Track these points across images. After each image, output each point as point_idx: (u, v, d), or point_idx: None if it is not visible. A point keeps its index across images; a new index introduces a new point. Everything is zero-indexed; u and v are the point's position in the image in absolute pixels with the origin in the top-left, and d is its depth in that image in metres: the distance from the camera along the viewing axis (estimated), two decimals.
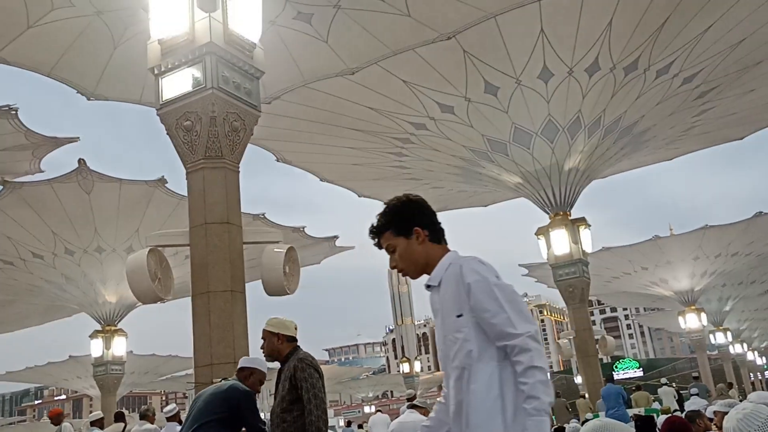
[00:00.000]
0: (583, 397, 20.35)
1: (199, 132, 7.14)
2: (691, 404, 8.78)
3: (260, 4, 7.87)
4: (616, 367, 61.93)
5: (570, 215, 17.66)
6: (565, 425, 13.89)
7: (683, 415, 5.21)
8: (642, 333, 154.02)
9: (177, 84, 7.25)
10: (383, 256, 2.73)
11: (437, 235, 2.64)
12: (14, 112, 13.03)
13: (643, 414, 11.56)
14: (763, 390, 33.66)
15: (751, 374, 53.35)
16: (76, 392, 78.93)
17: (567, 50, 13.51)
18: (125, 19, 10.66)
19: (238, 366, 4.98)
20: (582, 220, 17.63)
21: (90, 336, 20.81)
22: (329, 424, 8.66)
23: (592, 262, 18.33)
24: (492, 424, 2.29)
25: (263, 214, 19.17)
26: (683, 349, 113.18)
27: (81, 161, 15.76)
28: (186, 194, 7.46)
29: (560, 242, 17.43)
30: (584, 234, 17.58)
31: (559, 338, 29.06)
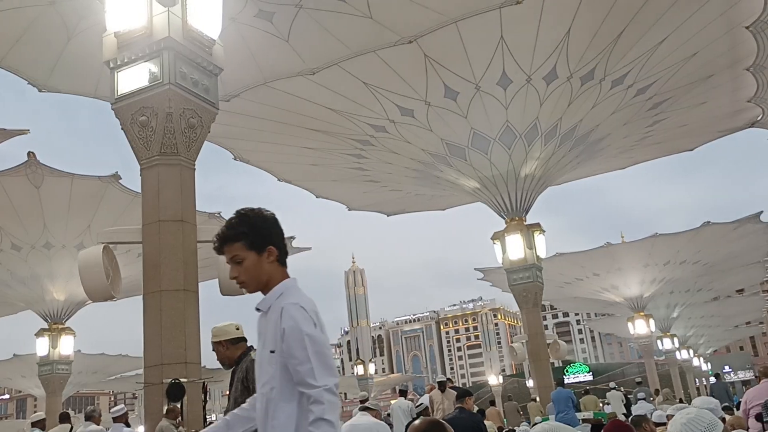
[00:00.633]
0: (534, 400, 20.65)
1: (155, 128, 7.01)
2: (638, 408, 8.98)
3: (221, 1, 7.78)
4: (566, 371, 63.04)
5: (525, 221, 17.90)
6: (515, 428, 14.08)
7: (629, 420, 5.32)
8: (593, 338, 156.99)
9: (133, 78, 7.12)
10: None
11: (284, 257, 2.69)
12: None
13: (592, 417, 11.78)
14: (707, 395, 34.63)
15: (696, 380, 54.82)
16: (20, 392, 76.73)
17: (526, 58, 13.70)
18: (80, 10, 10.40)
19: None
20: (537, 226, 17.88)
21: (36, 334, 20.23)
22: None
23: (546, 267, 18.60)
24: None
25: (219, 213, 18.94)
26: (632, 354, 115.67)
27: (30, 154, 15.33)
28: (140, 191, 7.33)
29: (515, 247, 17.64)
30: (539, 239, 17.83)
31: (512, 342, 29.36)
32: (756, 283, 45.78)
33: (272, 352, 2.51)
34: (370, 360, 34.77)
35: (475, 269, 31.58)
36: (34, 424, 11.12)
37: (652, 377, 34.00)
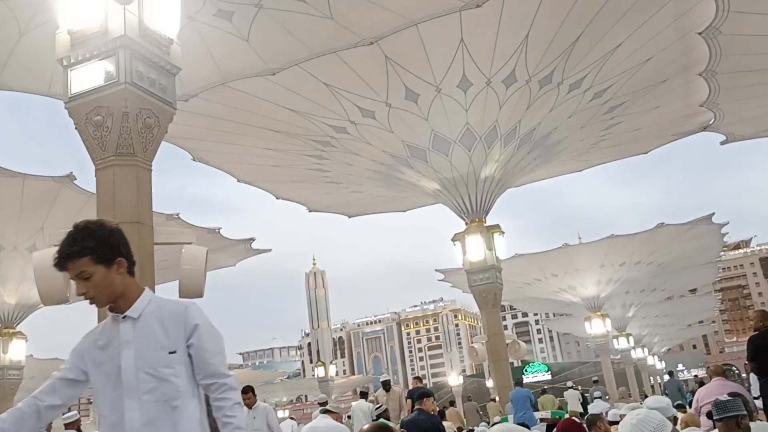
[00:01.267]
0: (494, 400, 20.84)
1: (110, 128, 6.87)
2: (594, 407, 9.14)
3: None
4: (525, 370, 63.81)
5: (485, 222, 18.04)
6: (474, 428, 14.18)
7: (585, 419, 5.40)
8: (551, 338, 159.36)
9: (87, 77, 6.95)
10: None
11: (132, 267, 2.74)
12: None
13: (549, 417, 11.94)
14: (660, 393, 35.43)
15: (651, 378, 56.02)
16: None
17: (485, 61, 13.83)
18: (33, 5, 10.13)
19: None
20: (496, 227, 18.04)
21: None
22: None
23: (506, 268, 18.78)
24: None
25: (177, 214, 18.64)
26: (589, 354, 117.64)
27: None
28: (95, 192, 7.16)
29: (475, 248, 17.77)
30: (498, 240, 17.99)
31: (472, 342, 29.63)
32: (708, 282, 47.05)
33: (172, 352, 2.55)
34: (331, 362, 34.67)
35: (435, 270, 31.81)
36: (67, 426, 10.47)
37: (608, 376, 34.63)
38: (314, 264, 35.12)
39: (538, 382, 55.23)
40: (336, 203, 22.12)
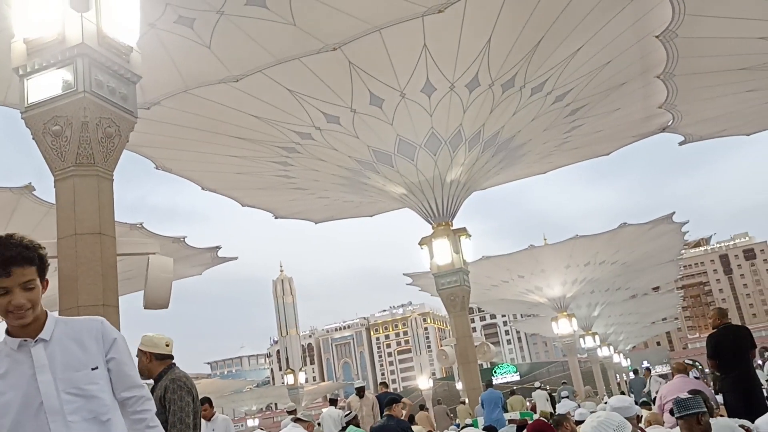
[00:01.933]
0: (463, 402, 20.94)
1: (69, 138, 6.74)
2: (562, 406, 9.23)
3: (138, 6, 7.56)
4: (494, 372, 64.23)
5: (452, 225, 18.16)
6: (444, 431, 14.21)
7: (551, 419, 5.46)
8: (519, 338, 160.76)
9: (45, 86, 6.81)
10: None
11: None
12: None
13: (518, 417, 12.04)
14: (626, 390, 35.95)
15: (617, 375, 56.87)
16: None
17: (449, 66, 13.92)
18: None
19: None
20: (463, 230, 18.18)
21: None
22: None
23: (473, 270, 18.91)
24: None
25: (141, 224, 18.37)
26: (556, 353, 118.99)
27: None
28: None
29: (442, 252, 17.87)
30: (465, 244, 18.13)
31: (441, 345, 29.66)
32: (670, 280, 47.97)
33: (95, 369, 2.53)
34: (301, 369, 34.44)
35: (403, 274, 31.83)
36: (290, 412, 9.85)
37: (575, 375, 35.08)
38: (281, 271, 34.86)
39: (507, 383, 55.63)
40: (302, 209, 22.04)
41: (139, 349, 4.42)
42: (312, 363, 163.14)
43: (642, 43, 13.96)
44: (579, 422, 6.07)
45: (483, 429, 11.49)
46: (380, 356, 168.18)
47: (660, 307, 53.75)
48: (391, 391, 14.71)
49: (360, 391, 13.14)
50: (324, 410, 14.60)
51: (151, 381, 4.55)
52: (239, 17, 11.03)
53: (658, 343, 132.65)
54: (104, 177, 7.00)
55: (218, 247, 22.02)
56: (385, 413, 7.87)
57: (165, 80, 12.32)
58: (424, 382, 41.05)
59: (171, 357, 4.48)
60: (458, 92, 14.76)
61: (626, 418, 3.24)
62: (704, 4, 11.86)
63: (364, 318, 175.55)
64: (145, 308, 7.88)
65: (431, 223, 18.22)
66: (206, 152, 16.36)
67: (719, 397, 8.85)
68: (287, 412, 12.19)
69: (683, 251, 39.55)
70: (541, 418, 6.77)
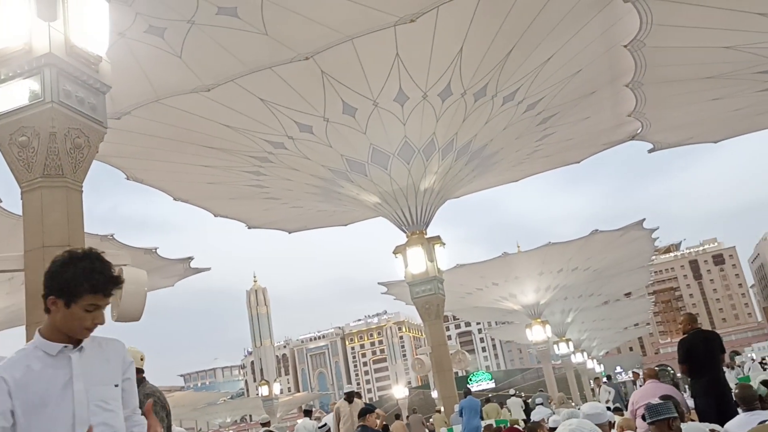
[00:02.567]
0: (439, 411, 20.93)
1: (37, 149, 6.62)
2: (537, 413, 9.27)
3: (107, 15, 7.47)
4: (469, 380, 64.32)
5: (426, 234, 18.19)
6: None
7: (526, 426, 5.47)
8: (494, 346, 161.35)
9: (11, 96, 6.68)
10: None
11: None
12: None
13: (493, 425, 12.07)
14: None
15: (591, 381, 57.30)
16: None
17: (421, 75, 13.99)
18: None
19: None
20: (437, 239, 18.22)
21: None
22: None
23: (447, 278, 18.96)
24: None
25: (112, 235, 18.13)
26: (531, 360, 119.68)
27: None
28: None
29: (417, 260, 17.89)
30: (439, 252, 18.16)
31: (417, 354, 29.67)
32: (642, 286, 48.64)
33: (116, 386, 2.63)
34: (275, 380, 34.19)
35: (378, 283, 31.87)
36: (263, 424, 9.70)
37: (550, 381, 35.29)
38: (255, 281, 34.60)
39: (483, 390, 55.76)
40: (275, 219, 21.93)
41: None
42: (287, 374, 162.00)
43: (611, 53, 14.17)
44: (553, 429, 6.09)
45: None
46: (355, 366, 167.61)
47: (632, 312, 54.38)
48: (363, 401, 14.62)
49: (349, 397, 12.94)
50: (299, 421, 14.49)
51: None
52: (211, 27, 10.97)
53: (631, 349, 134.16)
54: (73, 188, 6.89)
55: (191, 258, 21.83)
56: (359, 424, 7.83)
57: (136, 90, 12.20)
58: (399, 391, 40.99)
59: (142, 371, 4.41)
60: (431, 101, 14.83)
61: (598, 425, 3.28)
62: (671, 14, 12.08)
63: (339, 327, 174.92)
64: (115, 321, 7.76)
65: (405, 232, 18.24)
66: (178, 162, 16.21)
67: (690, 402, 8.97)
68: (261, 424, 12.05)
69: (654, 257, 40.16)
70: (515, 426, 6.79)
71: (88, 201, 7.17)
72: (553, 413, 10.78)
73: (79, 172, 6.96)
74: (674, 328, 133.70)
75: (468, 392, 16.86)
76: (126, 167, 16.48)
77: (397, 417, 23.41)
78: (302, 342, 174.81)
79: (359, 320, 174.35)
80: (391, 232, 19.14)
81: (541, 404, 15.91)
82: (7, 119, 6.70)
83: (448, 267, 20.59)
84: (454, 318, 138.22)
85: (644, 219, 27.54)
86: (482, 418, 16.44)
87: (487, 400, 19.83)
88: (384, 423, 14.70)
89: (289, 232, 23.73)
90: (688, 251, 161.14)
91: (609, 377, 26.40)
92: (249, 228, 22.34)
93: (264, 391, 33.42)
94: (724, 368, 10.07)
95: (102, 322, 2.60)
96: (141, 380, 4.35)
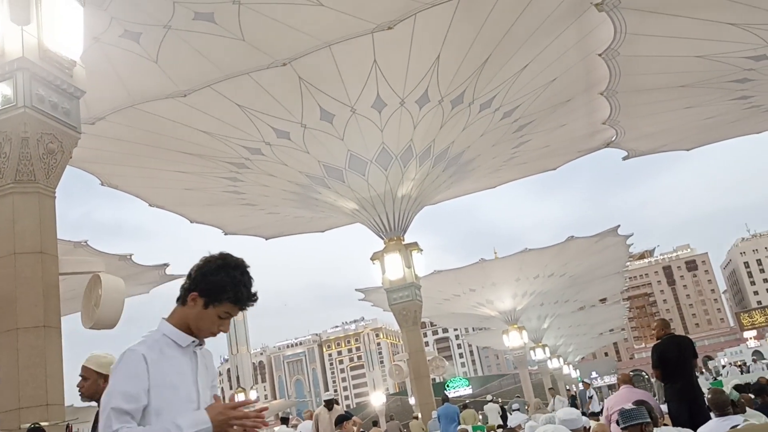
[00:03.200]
0: (416, 417, 20.91)
1: (9, 154, 6.54)
2: (513, 419, 9.31)
3: (81, 20, 7.41)
4: (447, 386, 64.34)
5: (403, 240, 18.22)
6: None
7: None
8: (471, 352, 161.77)
9: None
10: None
11: None
12: None
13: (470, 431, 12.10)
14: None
15: (567, 387, 57.66)
16: None
17: (399, 82, 14.03)
18: None
19: None
20: (414, 245, 18.25)
21: None
22: None
23: (424, 284, 18.99)
24: None
25: (86, 242, 17.90)
26: (508, 366, 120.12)
27: None
28: None
29: (394, 266, 17.91)
30: (417, 258, 18.20)
31: (394, 361, 29.61)
32: (617, 292, 49.13)
33: (213, 393, 2.66)
34: (252, 387, 33.97)
35: (356, 290, 31.77)
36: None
37: (526, 387, 35.46)
38: None
39: (460, 396, 55.78)
40: (252, 225, 21.81)
41: (87, 369, 4.22)
42: (263, 381, 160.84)
43: (586, 61, 14.34)
44: None
45: None
46: (333, 372, 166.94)
47: (607, 318, 54.90)
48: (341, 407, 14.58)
49: (329, 404, 12.85)
50: (276, 429, 14.38)
51: (94, 403, 4.41)
52: (187, 32, 10.91)
53: (606, 354, 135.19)
54: (46, 194, 6.81)
55: (167, 264, 21.61)
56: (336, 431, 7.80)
57: (110, 95, 12.08)
58: (377, 398, 40.90)
59: None
60: (408, 108, 14.87)
61: (573, 430, 3.30)
62: (644, 24, 12.26)
63: (317, 334, 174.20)
64: (90, 328, 7.65)
65: (383, 238, 18.25)
66: (153, 168, 16.07)
67: (663, 407, 9.05)
68: None
69: (628, 263, 40.58)
70: None
71: (61, 207, 7.10)
72: (530, 419, 10.85)
73: (52, 178, 6.89)
74: (648, 333, 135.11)
75: (445, 399, 16.88)
76: (101, 173, 16.29)
77: (375, 424, 23.36)
78: (279, 349, 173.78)
79: (336, 327, 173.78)
80: (369, 238, 19.15)
81: (518, 410, 15.98)
82: None
83: (425, 273, 20.64)
84: (432, 324, 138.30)
85: (619, 225, 27.86)
86: (459, 424, 16.47)
87: (465, 406, 19.85)
88: (361, 430, 14.66)
89: (266, 239, 23.61)
90: (661, 257, 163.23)
91: (585, 383, 26.56)
92: (225, 234, 22.18)
93: (240, 398, 33.15)
94: (697, 373, 10.19)
95: (226, 331, 2.66)
96: None
